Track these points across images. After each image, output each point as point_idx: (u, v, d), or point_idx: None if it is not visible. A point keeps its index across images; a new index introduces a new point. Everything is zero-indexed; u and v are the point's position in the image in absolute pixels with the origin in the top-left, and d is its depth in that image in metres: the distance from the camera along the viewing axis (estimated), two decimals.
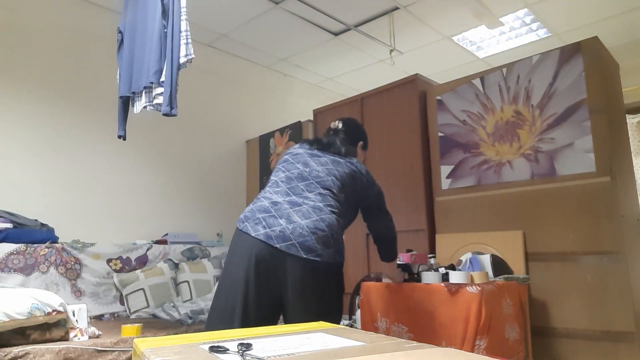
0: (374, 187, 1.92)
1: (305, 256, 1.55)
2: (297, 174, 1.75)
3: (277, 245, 1.54)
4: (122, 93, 2.59)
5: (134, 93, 2.53)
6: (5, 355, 1.82)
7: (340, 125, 2.04)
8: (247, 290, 1.56)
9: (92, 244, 3.25)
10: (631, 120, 4.32)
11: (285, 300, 1.59)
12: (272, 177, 1.81)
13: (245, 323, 1.54)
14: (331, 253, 1.60)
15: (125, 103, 2.65)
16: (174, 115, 2.26)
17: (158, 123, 3.99)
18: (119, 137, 2.65)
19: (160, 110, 2.34)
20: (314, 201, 1.66)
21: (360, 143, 2.10)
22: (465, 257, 2.44)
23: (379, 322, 2.30)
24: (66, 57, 3.54)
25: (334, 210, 1.68)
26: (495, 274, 2.31)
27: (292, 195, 1.68)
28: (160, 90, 2.32)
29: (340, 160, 1.85)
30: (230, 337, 1.09)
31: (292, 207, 1.63)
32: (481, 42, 4.22)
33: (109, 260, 3.28)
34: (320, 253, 1.57)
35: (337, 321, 1.55)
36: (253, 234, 1.58)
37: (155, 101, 2.35)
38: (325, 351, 0.89)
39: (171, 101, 2.23)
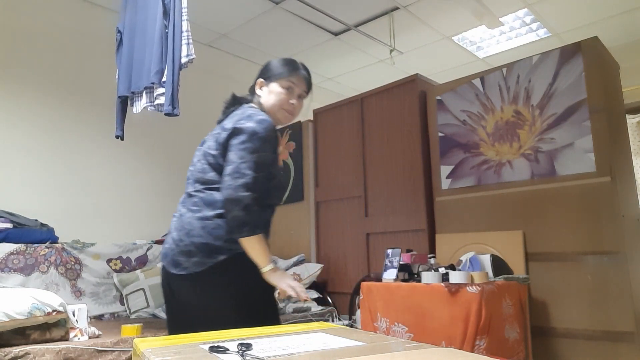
0: (240, 136, 1.47)
1: (172, 271, 1.46)
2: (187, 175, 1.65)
3: (163, 263, 1.53)
4: (121, 93, 2.59)
5: (133, 93, 2.53)
6: (5, 355, 1.82)
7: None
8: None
9: (92, 244, 3.25)
10: (631, 120, 4.32)
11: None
12: None
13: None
14: (196, 261, 1.42)
15: (124, 103, 2.65)
16: (176, 115, 2.26)
17: (158, 123, 3.99)
18: (117, 137, 2.66)
19: (161, 111, 2.35)
20: (182, 205, 1.55)
21: (259, 80, 1.64)
22: (465, 257, 2.44)
23: (379, 322, 2.30)
24: (67, 57, 3.53)
25: (194, 207, 1.49)
26: (495, 274, 2.31)
27: (179, 203, 1.61)
28: (161, 90, 2.32)
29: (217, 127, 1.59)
30: (230, 337, 1.09)
31: (174, 219, 1.56)
32: (481, 42, 4.22)
33: (109, 260, 3.28)
34: (185, 266, 1.43)
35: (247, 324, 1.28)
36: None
37: (157, 102, 2.36)
38: (325, 351, 0.89)
39: (173, 101, 2.24)
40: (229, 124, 1.52)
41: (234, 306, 1.44)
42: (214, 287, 1.44)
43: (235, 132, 1.48)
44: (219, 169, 1.50)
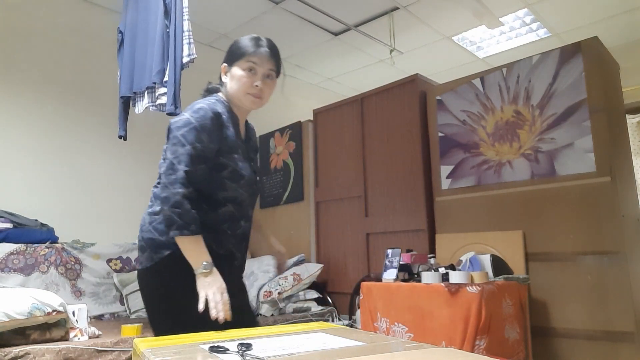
0: (173, 130, 1.41)
1: (137, 267, 1.49)
2: None
3: None
4: (123, 93, 2.60)
5: (135, 93, 2.53)
6: (5, 355, 1.82)
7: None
8: None
9: (92, 244, 3.25)
10: (631, 120, 4.32)
11: None
12: None
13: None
14: (147, 256, 1.42)
15: (126, 103, 2.65)
16: (178, 115, 2.27)
17: (158, 123, 3.98)
18: (120, 137, 2.66)
19: (163, 111, 2.35)
20: None
21: (223, 66, 1.55)
22: (465, 257, 2.44)
23: (379, 322, 2.30)
24: (67, 57, 3.53)
25: (150, 202, 1.50)
26: (495, 274, 2.31)
27: None
28: (163, 90, 2.33)
29: None
30: (230, 337, 1.09)
31: None
32: (481, 42, 4.22)
33: (109, 260, 3.28)
34: (141, 261, 1.46)
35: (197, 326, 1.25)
36: None
37: (159, 101, 2.36)
38: (325, 351, 0.89)
39: (175, 101, 2.25)
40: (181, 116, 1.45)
41: (178, 304, 1.39)
42: (159, 284, 1.42)
43: (171, 125, 1.42)
44: None
